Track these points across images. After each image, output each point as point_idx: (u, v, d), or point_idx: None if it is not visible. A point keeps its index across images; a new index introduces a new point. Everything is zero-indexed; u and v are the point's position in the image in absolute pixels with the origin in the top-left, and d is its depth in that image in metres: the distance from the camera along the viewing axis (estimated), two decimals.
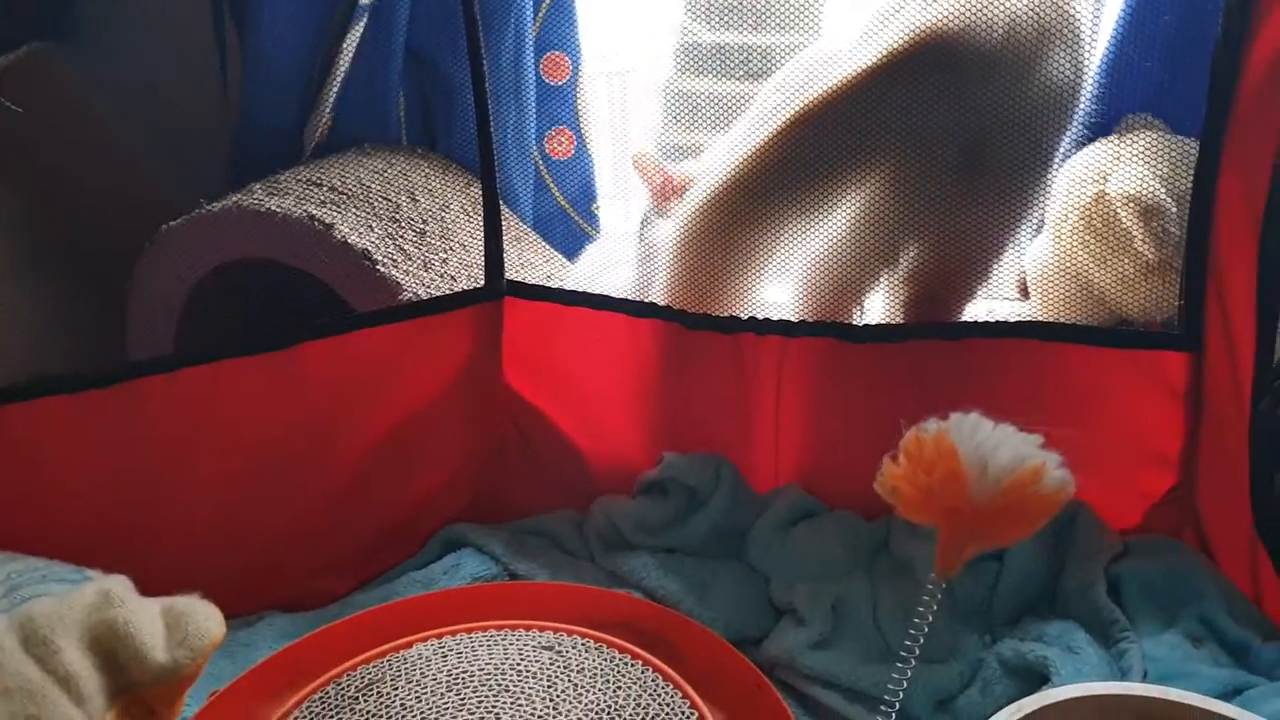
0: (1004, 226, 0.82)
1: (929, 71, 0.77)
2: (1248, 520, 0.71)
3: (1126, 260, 0.92)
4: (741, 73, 0.94)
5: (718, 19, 0.95)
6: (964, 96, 0.77)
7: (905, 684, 0.56)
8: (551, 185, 1.20)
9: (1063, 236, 0.96)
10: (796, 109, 0.80)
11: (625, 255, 1.01)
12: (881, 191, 0.80)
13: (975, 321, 0.83)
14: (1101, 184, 0.93)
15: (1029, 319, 0.89)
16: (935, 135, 0.78)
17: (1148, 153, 0.92)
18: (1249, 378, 0.70)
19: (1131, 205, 0.90)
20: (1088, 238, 0.94)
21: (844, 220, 0.82)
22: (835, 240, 0.83)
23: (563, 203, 1.21)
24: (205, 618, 0.55)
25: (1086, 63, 0.81)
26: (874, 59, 0.77)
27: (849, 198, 0.82)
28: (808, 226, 0.83)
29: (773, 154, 0.81)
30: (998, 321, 0.82)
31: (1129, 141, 0.94)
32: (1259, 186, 0.67)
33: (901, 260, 0.84)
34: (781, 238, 0.84)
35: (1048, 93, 0.79)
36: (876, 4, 0.82)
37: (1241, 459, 0.71)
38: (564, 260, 1.14)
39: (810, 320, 0.84)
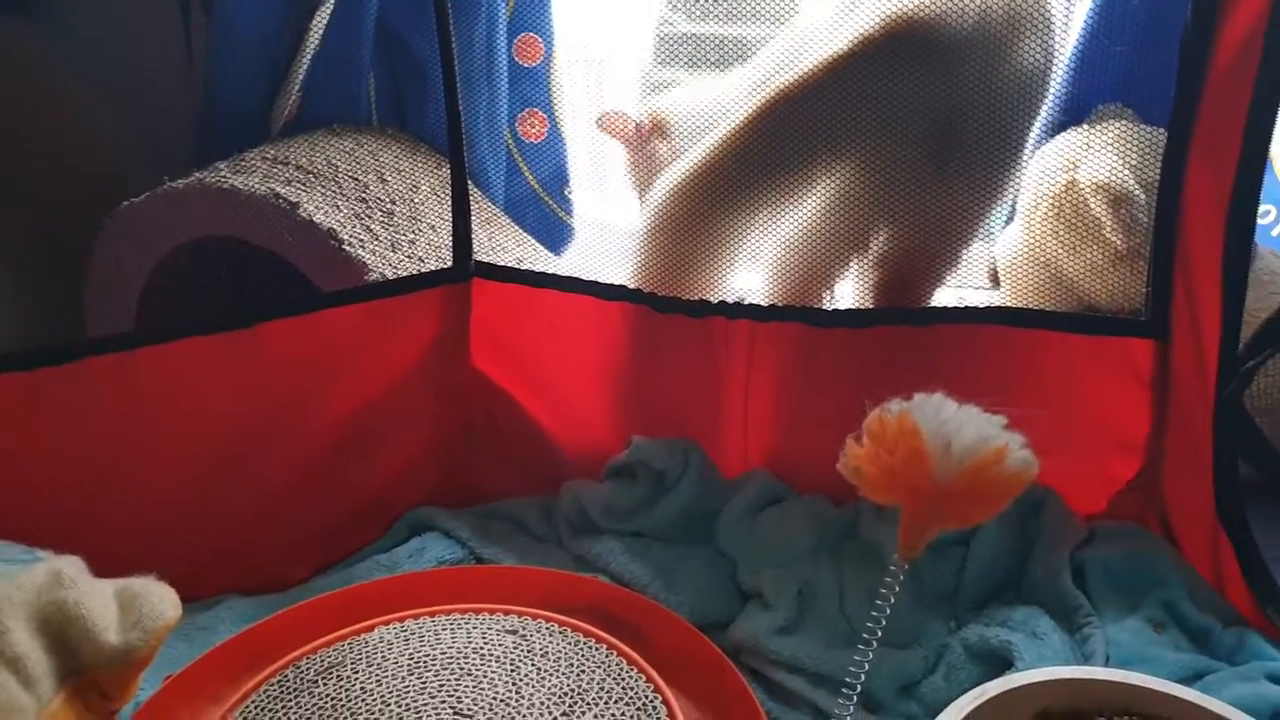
0: (974, 211, 0.82)
1: (900, 57, 0.77)
2: (1211, 507, 0.71)
3: (1096, 248, 0.92)
4: (719, 64, 0.94)
5: (697, 10, 0.95)
6: (935, 82, 0.77)
7: (867, 667, 0.56)
8: (524, 168, 1.19)
9: (1033, 225, 0.96)
10: (768, 95, 0.80)
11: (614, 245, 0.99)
12: (851, 176, 0.80)
13: (944, 307, 0.83)
14: (1072, 172, 0.93)
15: (997, 305, 0.89)
16: (906, 120, 0.78)
17: (1118, 142, 0.92)
18: (1214, 365, 0.70)
19: (1101, 194, 0.90)
20: (1058, 226, 0.95)
21: (814, 205, 0.82)
22: (806, 225, 0.83)
23: (535, 186, 1.20)
24: (159, 600, 0.54)
25: (1058, 49, 0.81)
26: (845, 45, 0.77)
27: (819, 183, 0.82)
28: (779, 211, 0.83)
29: (744, 139, 0.81)
30: (966, 307, 0.82)
31: (1099, 130, 0.95)
32: (1226, 174, 0.67)
33: (872, 245, 0.84)
34: (753, 223, 0.84)
35: (1019, 78, 0.79)
36: None
37: (1206, 446, 0.71)
38: (535, 243, 1.13)
39: (780, 305, 0.83)
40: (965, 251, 0.85)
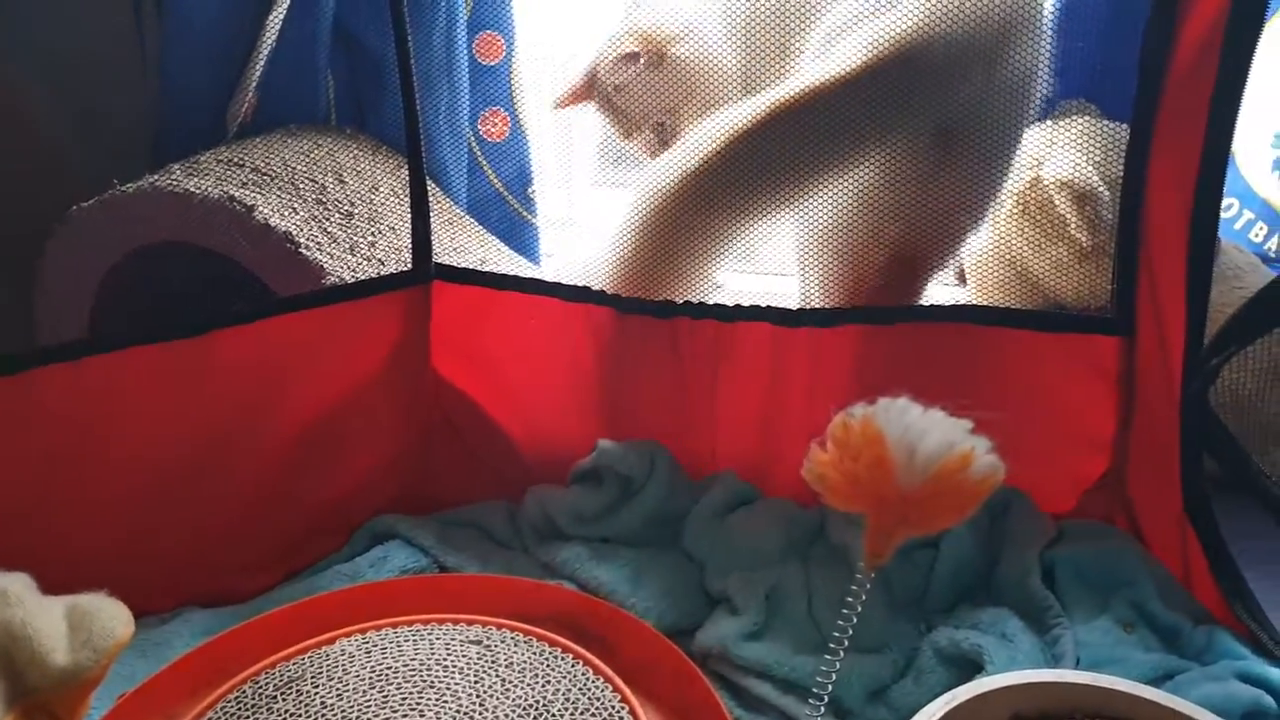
0: (979, 197, 0.82)
1: (911, 74, 0.76)
2: (1178, 504, 0.71)
3: (1061, 245, 0.92)
4: None
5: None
6: (941, 90, 0.77)
7: (834, 674, 0.55)
8: (486, 168, 1.18)
9: (999, 222, 0.96)
10: (773, 103, 0.78)
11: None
12: (867, 176, 0.80)
13: (910, 305, 0.82)
14: (1036, 169, 0.93)
15: (964, 303, 0.89)
16: (913, 123, 0.78)
17: (1081, 138, 0.92)
18: (1179, 361, 0.70)
19: (1066, 191, 0.90)
20: (1023, 223, 0.95)
21: (838, 205, 0.82)
22: (837, 226, 0.82)
23: (498, 186, 1.19)
24: (111, 617, 0.52)
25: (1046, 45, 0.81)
26: (856, 63, 0.76)
27: (832, 184, 0.81)
28: (778, 215, 0.83)
29: (743, 147, 0.79)
30: (932, 305, 0.81)
31: (1063, 127, 0.95)
32: (1189, 170, 0.66)
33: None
34: (747, 227, 0.83)
35: (1015, 77, 0.79)
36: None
37: (1172, 443, 0.71)
38: (499, 244, 1.12)
39: (746, 305, 0.83)
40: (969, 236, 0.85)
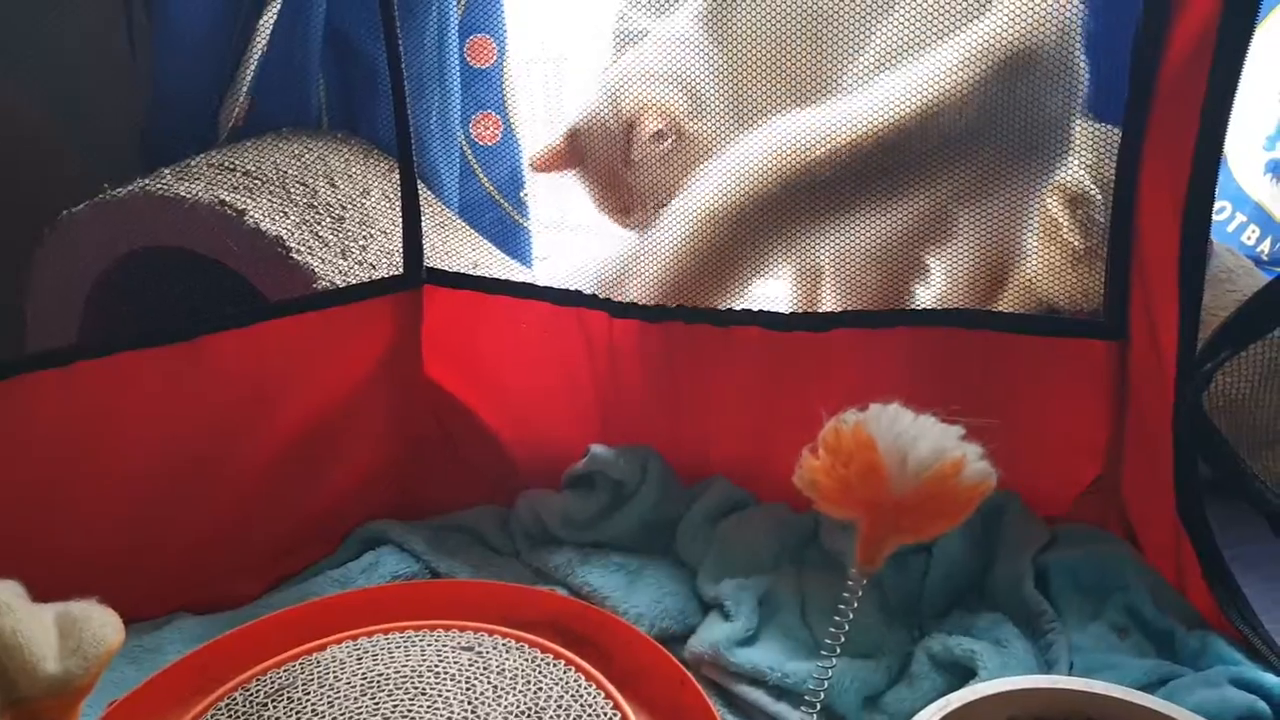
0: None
1: (1015, 83, 0.77)
2: (1172, 509, 0.71)
3: (1054, 249, 0.92)
4: None
5: (656, 6, 0.94)
6: (1039, 94, 0.78)
7: (828, 680, 0.55)
8: (478, 171, 1.18)
9: None
10: (871, 126, 0.78)
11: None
12: (945, 188, 0.81)
13: (901, 310, 0.82)
14: None
15: (956, 308, 0.89)
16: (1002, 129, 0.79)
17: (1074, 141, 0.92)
18: (1173, 365, 0.69)
19: (1059, 194, 0.90)
20: None
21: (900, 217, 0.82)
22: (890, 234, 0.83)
23: (490, 189, 1.19)
24: (101, 624, 0.52)
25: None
26: (964, 83, 0.76)
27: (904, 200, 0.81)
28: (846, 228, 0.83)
29: (822, 169, 0.79)
30: (925, 309, 0.81)
31: None
32: (1181, 171, 0.66)
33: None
34: (809, 243, 0.83)
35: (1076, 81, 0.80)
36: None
37: (1165, 448, 0.71)
38: (491, 247, 1.12)
39: (739, 309, 0.83)
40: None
